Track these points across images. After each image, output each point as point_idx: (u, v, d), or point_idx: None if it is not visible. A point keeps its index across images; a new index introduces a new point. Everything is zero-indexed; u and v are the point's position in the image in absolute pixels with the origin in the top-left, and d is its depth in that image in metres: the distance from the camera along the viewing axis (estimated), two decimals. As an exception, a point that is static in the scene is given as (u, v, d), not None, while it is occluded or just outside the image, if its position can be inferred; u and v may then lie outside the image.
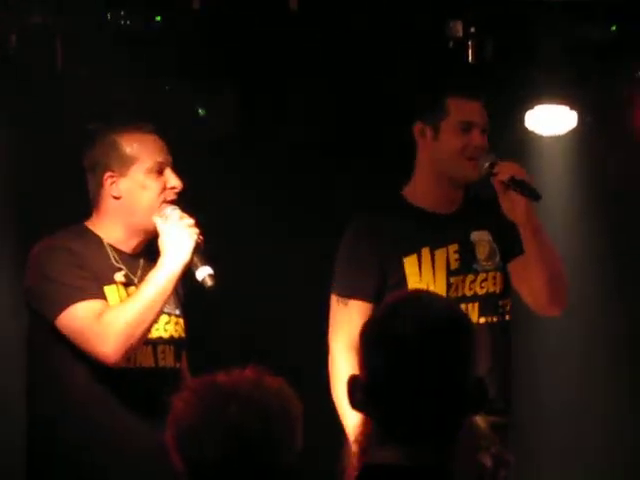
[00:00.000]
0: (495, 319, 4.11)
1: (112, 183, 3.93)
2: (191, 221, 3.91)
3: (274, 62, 4.94)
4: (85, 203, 4.04)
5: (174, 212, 3.89)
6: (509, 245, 4.16)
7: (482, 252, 4.18)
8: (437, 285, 4.07)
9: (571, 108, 5.19)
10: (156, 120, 4.09)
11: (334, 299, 4.07)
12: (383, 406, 2.29)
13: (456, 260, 4.13)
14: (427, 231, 4.08)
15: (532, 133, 5.28)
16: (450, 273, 4.12)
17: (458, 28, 4.88)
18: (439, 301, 2.43)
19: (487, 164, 4.02)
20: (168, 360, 3.99)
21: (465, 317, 2.44)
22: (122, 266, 3.99)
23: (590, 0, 4.93)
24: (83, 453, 3.89)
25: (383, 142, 5.19)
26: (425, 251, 4.07)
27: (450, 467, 2.31)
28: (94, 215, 4.00)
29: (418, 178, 4.16)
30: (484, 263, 4.15)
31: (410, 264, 4.05)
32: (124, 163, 3.93)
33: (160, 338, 3.99)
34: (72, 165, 4.18)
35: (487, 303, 4.12)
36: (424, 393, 2.28)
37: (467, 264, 4.12)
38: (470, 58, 4.90)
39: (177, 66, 4.82)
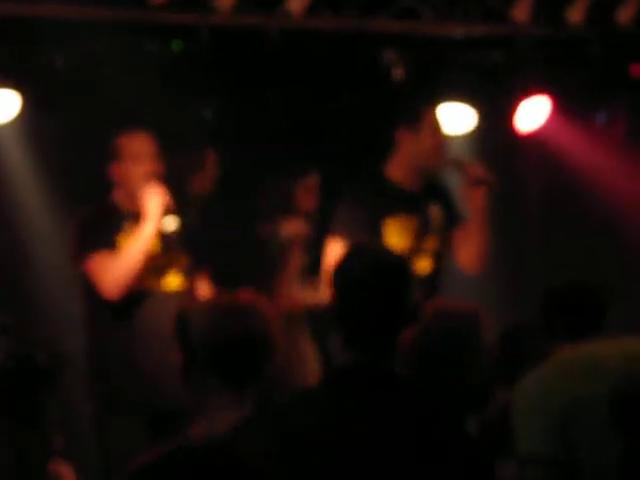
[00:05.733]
0: (437, 266, 5.10)
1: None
2: (161, 190, 4.81)
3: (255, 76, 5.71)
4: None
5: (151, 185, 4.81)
6: (453, 217, 5.11)
7: (435, 220, 5.07)
8: (408, 240, 4.96)
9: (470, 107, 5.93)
10: (163, 115, 5.06)
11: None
12: (347, 328, 2.71)
13: (418, 225, 5.02)
14: (402, 203, 4.98)
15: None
16: (414, 233, 4.99)
17: (389, 55, 5.76)
18: (384, 249, 2.91)
19: (455, 162, 4.91)
20: (173, 283, 4.91)
21: (404, 260, 2.87)
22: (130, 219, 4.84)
23: (482, 36, 5.84)
24: (109, 364, 4.78)
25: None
26: (401, 215, 4.99)
27: (391, 366, 2.70)
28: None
29: (396, 164, 4.98)
30: (436, 228, 5.06)
31: (391, 223, 4.95)
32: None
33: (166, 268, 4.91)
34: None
35: (435, 256, 5.08)
36: (376, 317, 2.69)
37: (425, 228, 5.03)
38: (398, 77, 5.69)
39: (184, 77, 5.56)
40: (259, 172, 5.80)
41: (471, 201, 4.97)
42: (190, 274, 5.03)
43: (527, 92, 6.07)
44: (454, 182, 5.16)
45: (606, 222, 6.65)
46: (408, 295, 2.72)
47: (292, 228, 5.53)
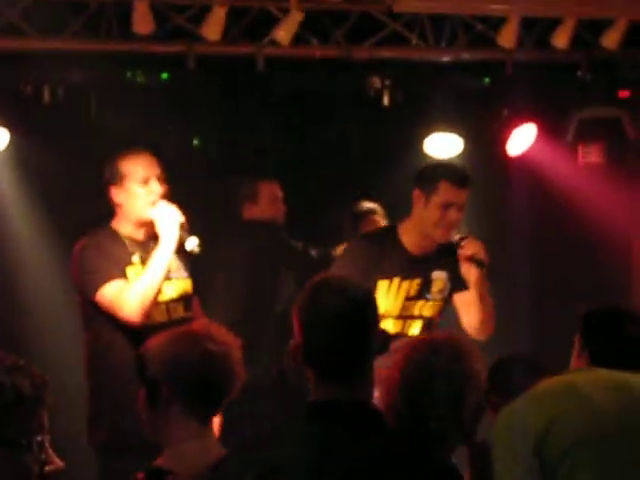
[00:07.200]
0: (428, 331, 4.93)
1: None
2: (174, 209, 4.67)
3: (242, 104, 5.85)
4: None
5: (163, 205, 4.70)
6: (458, 281, 5.01)
7: (436, 287, 5.00)
8: (396, 304, 4.92)
9: (459, 136, 6.03)
10: (157, 145, 4.92)
11: None
12: (321, 362, 2.67)
13: (415, 290, 4.93)
14: (402, 266, 4.90)
15: (429, 156, 6.06)
16: (407, 298, 4.92)
17: (377, 81, 5.82)
18: (352, 283, 2.76)
19: (458, 237, 4.81)
20: (178, 313, 4.81)
21: (370, 293, 2.84)
22: (136, 251, 4.73)
23: (469, 61, 5.92)
24: (112, 389, 4.65)
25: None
26: (396, 279, 4.92)
27: (367, 399, 2.69)
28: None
29: (408, 226, 4.92)
30: (435, 295, 5.00)
31: (382, 285, 4.88)
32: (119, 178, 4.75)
33: (171, 299, 4.81)
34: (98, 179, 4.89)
35: (427, 322, 5.01)
36: (349, 350, 2.67)
37: (423, 293, 4.96)
38: (386, 102, 5.80)
39: (176, 108, 5.65)
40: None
41: (465, 275, 4.94)
42: (192, 301, 4.95)
43: (515, 116, 6.14)
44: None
45: (589, 244, 6.70)
46: (377, 326, 2.72)
47: None
